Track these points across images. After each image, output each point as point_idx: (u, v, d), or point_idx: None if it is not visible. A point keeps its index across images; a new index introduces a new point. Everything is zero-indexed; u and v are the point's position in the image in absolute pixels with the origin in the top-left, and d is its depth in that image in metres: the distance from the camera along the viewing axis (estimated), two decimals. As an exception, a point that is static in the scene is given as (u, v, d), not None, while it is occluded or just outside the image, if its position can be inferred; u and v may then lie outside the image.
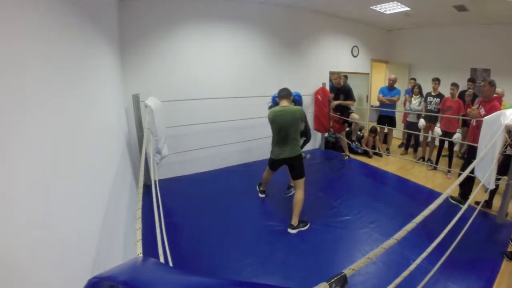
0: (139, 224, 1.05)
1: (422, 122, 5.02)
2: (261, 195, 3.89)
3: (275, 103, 3.60)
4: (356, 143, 5.91)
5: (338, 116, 5.37)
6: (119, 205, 2.22)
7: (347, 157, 5.49)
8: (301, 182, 3.16)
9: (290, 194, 3.84)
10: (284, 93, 3.12)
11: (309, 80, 5.88)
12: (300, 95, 3.87)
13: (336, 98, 5.35)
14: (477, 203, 3.30)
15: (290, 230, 3.08)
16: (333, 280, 0.74)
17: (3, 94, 0.76)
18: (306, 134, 4.29)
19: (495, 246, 2.80)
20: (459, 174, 3.58)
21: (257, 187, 4.00)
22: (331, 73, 5.47)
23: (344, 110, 5.33)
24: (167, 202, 3.01)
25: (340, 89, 5.30)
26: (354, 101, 5.45)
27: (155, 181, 2.29)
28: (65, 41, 1.39)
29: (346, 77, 6.57)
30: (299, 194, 3.14)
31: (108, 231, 1.69)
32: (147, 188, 2.91)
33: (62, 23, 1.38)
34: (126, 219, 2.36)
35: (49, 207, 0.97)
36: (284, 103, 3.10)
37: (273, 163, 3.37)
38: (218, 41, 4.69)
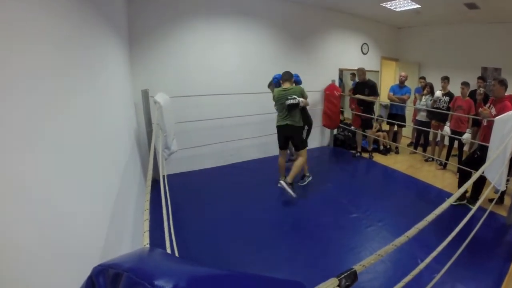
0: (146, 216, 1.05)
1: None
2: (284, 186, 3.46)
3: (277, 83, 3.71)
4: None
5: (362, 110, 5.37)
6: (127, 200, 2.24)
7: (358, 154, 5.53)
8: (302, 152, 3.58)
9: (305, 182, 3.97)
10: (287, 76, 3.52)
11: (318, 77, 5.82)
12: (298, 75, 3.83)
13: (359, 92, 5.30)
14: (490, 200, 3.26)
15: (281, 182, 3.43)
16: (343, 276, 0.74)
17: (12, 93, 0.77)
18: (307, 120, 3.91)
19: (504, 247, 2.77)
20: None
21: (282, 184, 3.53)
22: (357, 70, 5.42)
23: (370, 107, 5.36)
24: (175, 197, 3.02)
25: (365, 84, 5.27)
26: (378, 95, 5.45)
27: (163, 176, 2.31)
28: (75, 37, 1.40)
29: (354, 74, 6.49)
30: (299, 160, 3.56)
31: (117, 225, 1.70)
32: (155, 183, 2.93)
33: (72, 20, 1.38)
34: (135, 214, 2.38)
35: (60, 200, 0.98)
36: (287, 85, 3.49)
37: (278, 133, 3.67)
38: (226, 36, 4.67)
